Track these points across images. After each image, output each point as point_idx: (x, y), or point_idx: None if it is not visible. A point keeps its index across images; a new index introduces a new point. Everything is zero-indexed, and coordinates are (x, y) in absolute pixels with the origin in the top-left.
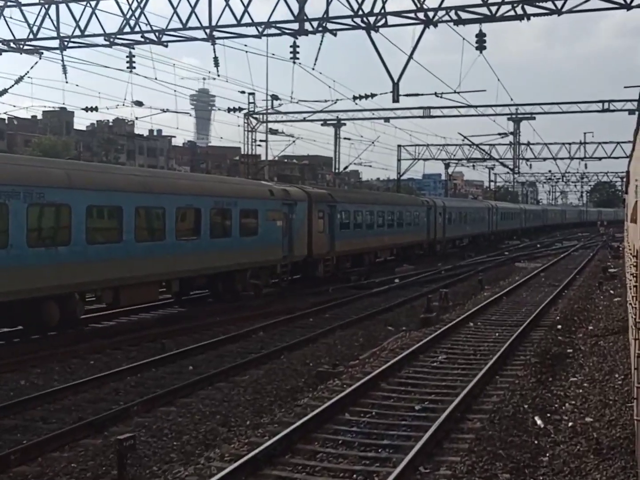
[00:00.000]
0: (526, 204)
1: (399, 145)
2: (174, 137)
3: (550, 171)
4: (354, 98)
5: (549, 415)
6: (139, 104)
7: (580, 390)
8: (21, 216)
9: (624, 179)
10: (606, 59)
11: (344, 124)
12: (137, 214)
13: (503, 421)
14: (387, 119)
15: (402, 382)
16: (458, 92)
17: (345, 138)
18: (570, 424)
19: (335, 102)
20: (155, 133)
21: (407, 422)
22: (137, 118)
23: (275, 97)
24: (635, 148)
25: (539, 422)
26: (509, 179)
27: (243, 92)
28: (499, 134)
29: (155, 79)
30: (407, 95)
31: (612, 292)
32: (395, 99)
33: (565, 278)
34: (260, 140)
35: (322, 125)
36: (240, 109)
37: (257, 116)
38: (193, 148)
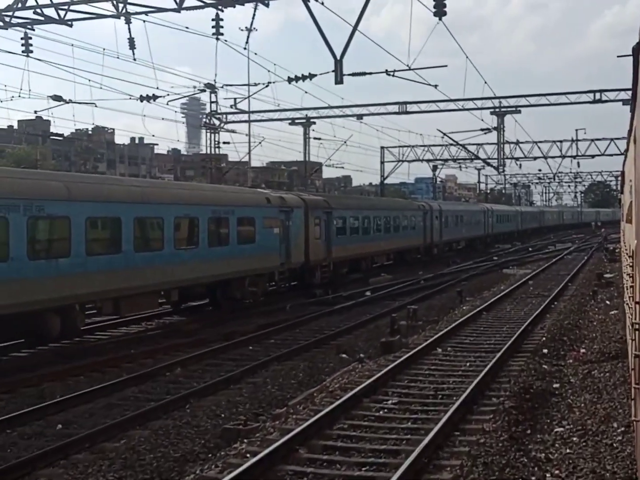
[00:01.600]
0: (522, 206)
1: (382, 147)
2: (157, 144)
3: (540, 170)
4: (289, 80)
5: None
6: (58, 98)
7: (568, 450)
8: (21, 229)
9: (619, 179)
10: (597, 59)
11: (314, 123)
12: (136, 225)
13: None
14: (359, 117)
15: (328, 445)
16: (412, 69)
17: (315, 138)
18: None
19: (267, 85)
20: (137, 141)
21: None
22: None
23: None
24: (629, 148)
25: None
26: (500, 180)
27: (204, 90)
28: (482, 129)
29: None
30: (352, 74)
31: (608, 302)
32: (339, 80)
33: (556, 287)
34: (224, 142)
35: (290, 124)
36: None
37: (219, 116)
38: (177, 156)
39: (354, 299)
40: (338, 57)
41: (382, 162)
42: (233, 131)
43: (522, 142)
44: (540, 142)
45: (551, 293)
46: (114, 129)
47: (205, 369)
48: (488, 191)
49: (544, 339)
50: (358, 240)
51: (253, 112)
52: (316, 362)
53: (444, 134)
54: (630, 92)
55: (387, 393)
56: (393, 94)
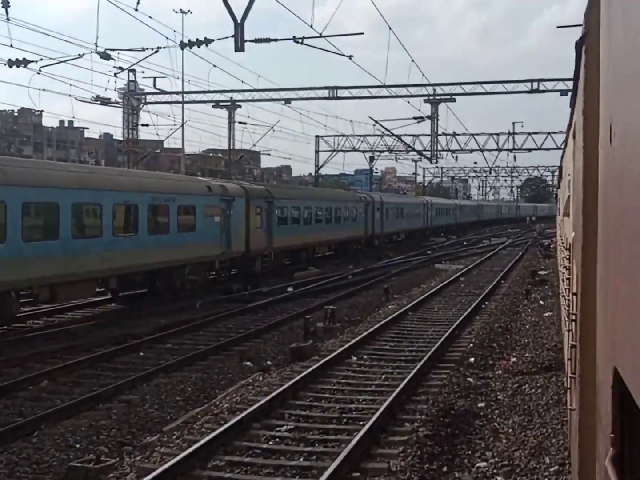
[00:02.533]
0: (461, 200)
1: (317, 136)
2: (87, 128)
3: (475, 162)
4: (182, 45)
5: None
6: None
7: None
8: None
9: (556, 174)
10: (537, 56)
11: (239, 106)
12: (74, 211)
13: None
14: (287, 101)
15: None
16: (323, 36)
17: (240, 122)
18: None
19: (157, 51)
20: (66, 125)
21: None
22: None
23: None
24: (567, 142)
25: None
26: (437, 172)
27: (121, 68)
28: (415, 118)
29: None
30: (255, 40)
31: (541, 302)
32: (239, 47)
33: (488, 284)
34: (142, 125)
35: (213, 107)
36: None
37: (138, 97)
38: (109, 140)
39: (273, 295)
40: (239, 20)
41: (317, 152)
42: (158, 115)
43: (458, 135)
44: (477, 134)
45: (482, 291)
46: (41, 111)
47: (77, 381)
48: (426, 184)
49: (471, 345)
50: (300, 230)
51: (173, 92)
52: (212, 373)
53: (376, 122)
54: (567, 83)
55: (284, 416)
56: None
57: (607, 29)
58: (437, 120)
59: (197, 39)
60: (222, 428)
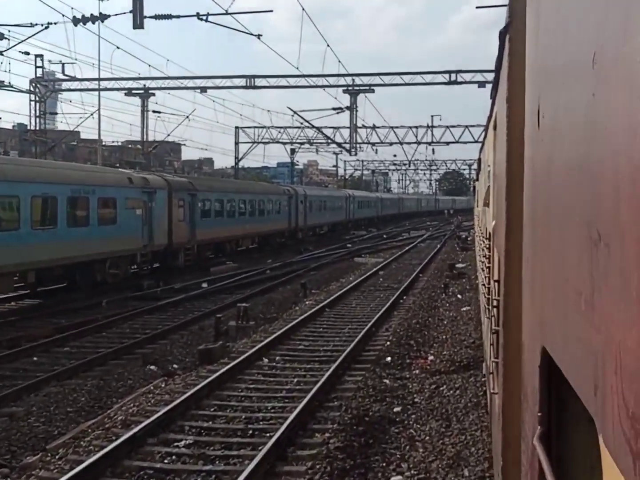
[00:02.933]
0: (382, 193)
1: (237, 127)
2: (49, 129)
3: (395, 155)
4: (74, 21)
5: None
6: None
7: None
8: None
9: (474, 167)
10: (455, 50)
11: (153, 94)
12: None
13: None
14: (203, 89)
15: None
16: (229, 13)
17: (154, 111)
18: None
19: (47, 27)
20: None
21: None
22: None
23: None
24: (487, 134)
25: None
26: (357, 165)
27: (27, 53)
28: (334, 108)
29: None
30: (155, 17)
31: (459, 296)
32: (138, 24)
33: (407, 278)
34: (50, 113)
35: (125, 95)
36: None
37: (46, 83)
38: (23, 130)
39: (186, 292)
40: None
41: (237, 143)
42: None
43: (378, 127)
44: (397, 127)
45: (401, 285)
46: None
47: None
48: (348, 177)
49: (388, 343)
50: (223, 223)
51: (84, 79)
52: (110, 379)
53: (295, 112)
54: (485, 75)
55: (183, 429)
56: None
57: (534, 15)
58: (356, 111)
59: (92, 14)
60: (112, 446)
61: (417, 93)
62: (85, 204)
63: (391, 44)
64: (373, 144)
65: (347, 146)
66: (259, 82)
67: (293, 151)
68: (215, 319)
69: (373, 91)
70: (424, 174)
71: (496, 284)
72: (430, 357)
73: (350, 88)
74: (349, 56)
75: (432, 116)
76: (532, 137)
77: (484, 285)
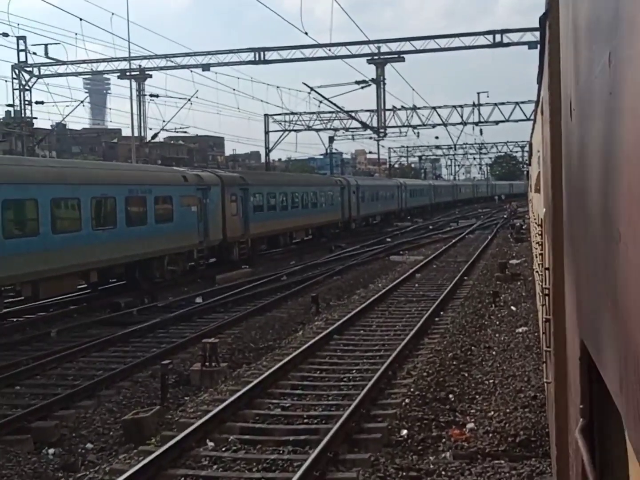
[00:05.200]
0: (435, 180)
1: (266, 115)
2: (35, 118)
3: (437, 137)
4: None
5: None
6: None
7: None
8: None
9: (526, 149)
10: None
11: (150, 76)
12: (53, 206)
13: None
14: (205, 67)
15: None
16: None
17: (152, 95)
18: None
19: None
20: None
21: None
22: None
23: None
24: (536, 119)
25: None
26: (403, 152)
27: (5, 34)
28: (357, 82)
29: None
30: None
31: (513, 308)
32: None
33: (449, 282)
34: (36, 102)
35: (119, 77)
36: None
37: (30, 69)
38: (60, 130)
39: (172, 311)
40: None
41: (267, 132)
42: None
43: (419, 108)
44: (439, 107)
45: (440, 293)
46: None
47: None
48: (396, 165)
49: (407, 401)
50: (276, 216)
51: (69, 62)
52: None
53: (312, 89)
54: (536, 34)
55: None
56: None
57: (566, 4)
58: (384, 85)
59: None
60: None
61: (459, 71)
62: (142, 203)
63: (439, 30)
64: (415, 127)
65: (378, 125)
66: (269, 55)
67: (331, 139)
68: (161, 368)
69: (403, 59)
70: (474, 158)
71: (547, 271)
72: (470, 425)
73: (375, 57)
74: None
75: (478, 93)
76: (567, 127)
77: (537, 272)
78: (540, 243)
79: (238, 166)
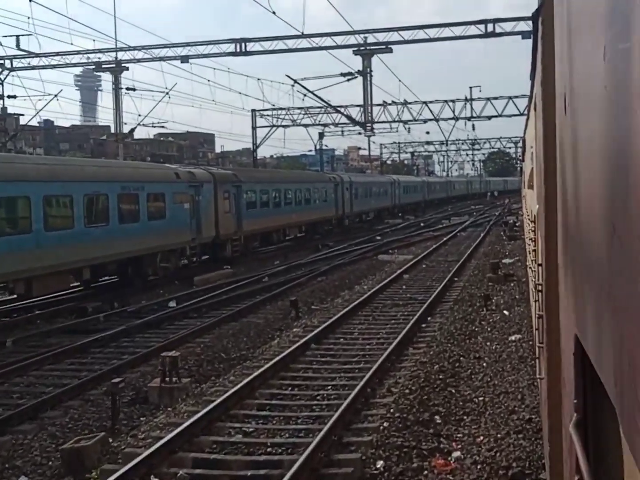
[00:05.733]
0: (428, 177)
1: (253, 110)
2: (22, 115)
3: (428, 132)
4: None
5: None
6: None
7: None
8: None
9: (519, 145)
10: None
11: (126, 68)
12: (45, 203)
13: None
14: (184, 59)
15: None
16: None
17: (128, 88)
18: None
19: None
20: None
21: None
22: None
23: None
24: (529, 115)
25: None
26: (395, 148)
27: None
28: (342, 74)
29: None
30: None
31: (506, 312)
32: None
33: (438, 283)
34: (8, 96)
35: (94, 70)
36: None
37: (2, 61)
38: (50, 128)
39: (140, 317)
40: None
41: (254, 128)
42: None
43: (410, 103)
44: (431, 102)
45: (428, 296)
46: None
47: None
48: (389, 162)
49: (385, 424)
50: (269, 213)
51: (42, 55)
52: None
53: (295, 81)
54: (529, 23)
55: None
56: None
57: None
58: (371, 76)
59: None
60: None
61: (452, 66)
62: (135, 200)
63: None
64: (405, 122)
65: (363, 123)
66: (250, 47)
67: (321, 135)
68: (112, 387)
69: (391, 50)
70: (466, 154)
71: (540, 267)
72: (456, 453)
73: (362, 48)
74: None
75: (470, 87)
76: (561, 122)
77: (530, 268)
78: (533, 239)
79: (229, 163)
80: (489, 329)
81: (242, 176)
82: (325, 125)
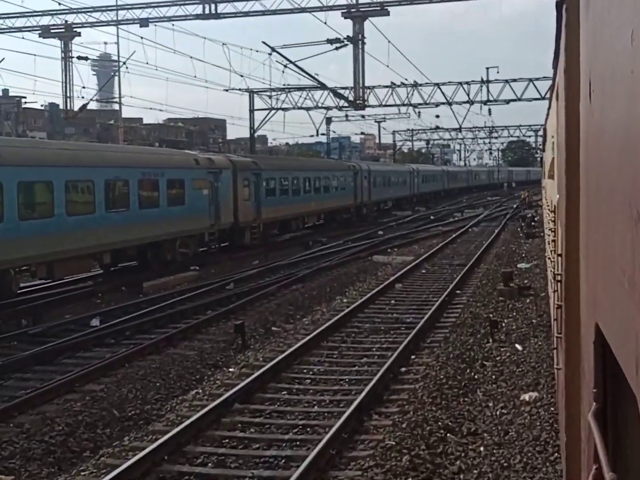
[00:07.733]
0: (449, 166)
1: (251, 91)
2: (24, 97)
3: (437, 116)
4: None
5: None
6: None
7: None
8: None
9: (540, 134)
10: (521, 18)
11: (78, 34)
12: (68, 188)
13: None
14: (144, 22)
15: None
16: None
17: (79, 57)
18: None
19: None
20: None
21: None
22: None
23: None
24: (551, 104)
25: None
26: (408, 136)
27: None
28: (329, 41)
29: None
30: None
31: (519, 347)
32: None
33: (436, 297)
34: None
35: (41, 36)
36: None
37: None
38: (54, 111)
39: (43, 341)
40: None
41: (252, 111)
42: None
43: (421, 85)
44: (443, 84)
45: (419, 319)
46: None
47: None
48: (404, 149)
49: None
50: (288, 201)
51: None
52: None
53: (273, 49)
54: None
55: None
56: None
57: None
58: (364, 44)
59: None
60: None
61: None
62: (155, 186)
63: (456, 15)
64: (415, 106)
65: (352, 100)
66: (222, 8)
67: (329, 121)
68: None
69: (387, 12)
70: (484, 142)
71: (559, 258)
72: None
73: (353, 10)
74: (405, 31)
75: (487, 68)
76: (585, 111)
77: (549, 258)
78: (553, 229)
79: (241, 149)
80: (493, 376)
81: (262, 164)
82: (328, 108)
